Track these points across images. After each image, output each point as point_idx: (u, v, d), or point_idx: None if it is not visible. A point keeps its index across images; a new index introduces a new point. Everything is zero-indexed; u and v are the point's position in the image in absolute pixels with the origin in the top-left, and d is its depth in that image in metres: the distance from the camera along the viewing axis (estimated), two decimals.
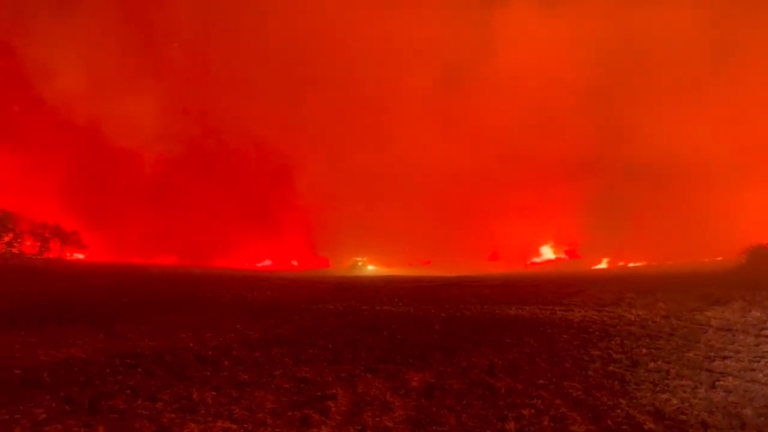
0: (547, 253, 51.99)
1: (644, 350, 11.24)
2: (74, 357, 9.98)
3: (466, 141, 51.04)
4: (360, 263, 50.44)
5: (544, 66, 48.06)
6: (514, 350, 11.32)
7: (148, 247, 50.91)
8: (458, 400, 8.10)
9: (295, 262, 52.67)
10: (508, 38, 47.77)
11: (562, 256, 51.57)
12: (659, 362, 10.25)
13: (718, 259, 38.55)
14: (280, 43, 49.93)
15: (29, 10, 49.76)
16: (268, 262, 52.39)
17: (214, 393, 7.99)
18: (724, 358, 10.59)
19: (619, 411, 7.74)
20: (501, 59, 48.37)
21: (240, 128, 52.51)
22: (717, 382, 9.06)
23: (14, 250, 46.44)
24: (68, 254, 49.09)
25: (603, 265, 45.43)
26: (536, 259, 51.44)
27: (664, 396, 8.37)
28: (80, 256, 49.71)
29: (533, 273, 40.45)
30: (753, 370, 9.80)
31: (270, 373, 9.17)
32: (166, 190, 52.92)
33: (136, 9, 51.43)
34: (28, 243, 47.71)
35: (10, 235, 46.92)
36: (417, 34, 50.10)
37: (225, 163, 54.37)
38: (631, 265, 43.69)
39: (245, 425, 6.92)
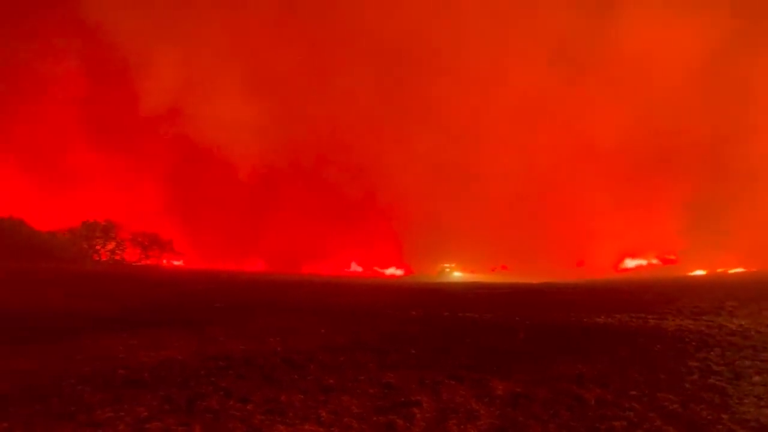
0: (639, 258, 49.53)
1: (747, 362, 10.54)
2: (172, 359, 10.54)
3: (564, 136, 48.71)
4: (447, 269, 50.02)
5: (668, 53, 44.41)
6: (603, 360, 10.92)
7: (238, 254, 52.76)
8: (545, 409, 7.91)
9: (377, 268, 52.97)
10: (629, 21, 44.17)
11: (655, 261, 49.08)
12: (765, 375, 9.58)
13: None
14: (366, 36, 49.51)
15: (136, 12, 52.06)
16: (353, 269, 52.97)
17: (301, 396, 8.20)
18: None
19: (720, 426, 7.30)
20: (616, 42, 44.86)
21: (329, 132, 52.98)
22: None
23: (117, 258, 49.70)
24: (165, 261, 51.84)
25: (701, 271, 42.83)
26: (626, 265, 49.20)
27: None
28: (177, 262, 52.31)
29: (623, 279, 38.82)
30: None
31: (355, 378, 9.30)
32: (256, 197, 54.47)
33: (234, 11, 52.77)
34: (129, 251, 50.93)
35: (113, 243, 50.25)
36: (524, 19, 47.46)
37: (312, 169, 55.18)
38: (732, 271, 40.99)
39: (332, 429, 7.07)
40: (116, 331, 13.64)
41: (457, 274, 49.20)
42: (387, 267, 52.37)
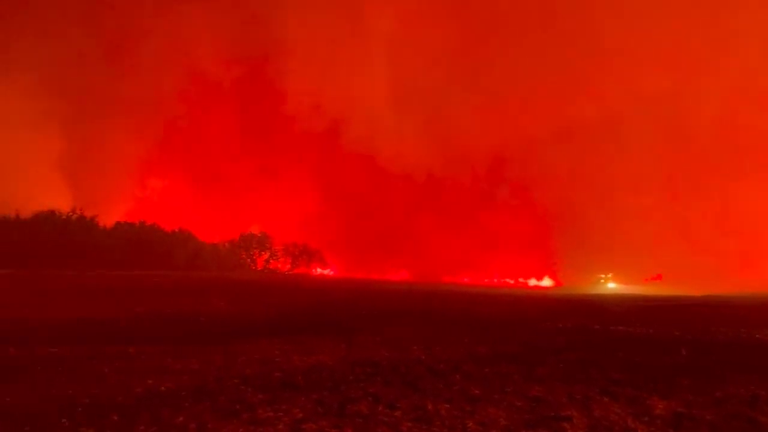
0: None
1: None
2: (322, 363, 11.03)
3: (729, 130, 44.09)
4: (602, 280, 47.49)
5: None
6: None
7: (383, 264, 53.81)
8: None
9: (522, 279, 51.44)
10: None
11: None
12: None
13: None
14: (529, 44, 48.04)
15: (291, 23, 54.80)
16: (497, 279, 51.94)
17: (447, 405, 8.20)
18: None
19: None
20: None
21: (481, 142, 52.22)
22: None
23: (270, 267, 53.14)
24: (314, 270, 54.54)
25: None
26: None
27: None
28: (325, 271, 54.75)
29: None
30: None
31: (501, 390, 9.14)
32: (401, 207, 55.13)
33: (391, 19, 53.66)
34: (281, 260, 54.32)
35: (267, 253, 53.86)
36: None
37: (459, 179, 54.79)
38: None
39: None
40: (272, 335, 14.55)
41: (611, 285, 46.47)
42: (533, 277, 50.76)
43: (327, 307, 22.84)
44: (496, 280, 51.43)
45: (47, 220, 44.45)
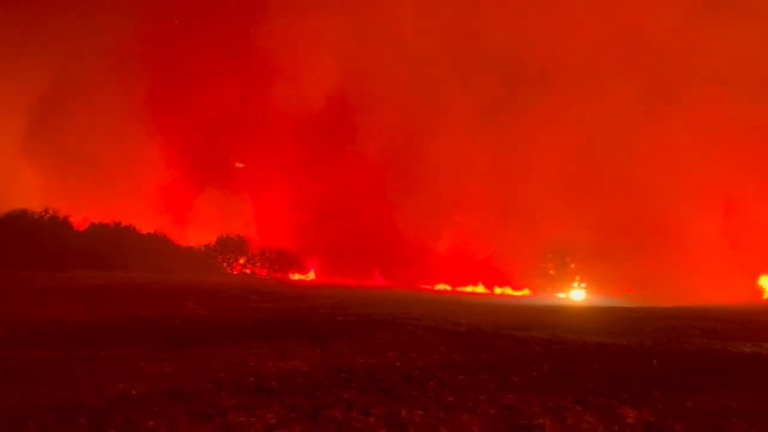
0: None
1: None
2: (297, 369, 10.97)
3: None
4: (575, 288, 47.94)
5: None
6: (751, 393, 9.95)
7: (360, 270, 53.39)
8: None
9: (501, 289, 51.41)
10: None
11: None
12: None
13: None
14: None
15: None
16: (473, 287, 51.89)
17: (421, 412, 8.20)
18: None
19: None
20: None
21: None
22: None
23: (247, 271, 52.79)
24: (292, 275, 54.27)
25: None
26: None
27: None
28: (305, 276, 54.38)
29: None
30: None
31: (475, 398, 9.16)
32: (378, 212, 54.34)
33: None
34: (258, 264, 54.01)
35: (244, 257, 53.54)
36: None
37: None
38: None
39: None
40: (247, 340, 14.41)
41: (580, 296, 46.94)
42: (504, 286, 50.81)
43: (303, 313, 22.70)
44: (462, 288, 51.13)
45: (19, 219, 43.60)
